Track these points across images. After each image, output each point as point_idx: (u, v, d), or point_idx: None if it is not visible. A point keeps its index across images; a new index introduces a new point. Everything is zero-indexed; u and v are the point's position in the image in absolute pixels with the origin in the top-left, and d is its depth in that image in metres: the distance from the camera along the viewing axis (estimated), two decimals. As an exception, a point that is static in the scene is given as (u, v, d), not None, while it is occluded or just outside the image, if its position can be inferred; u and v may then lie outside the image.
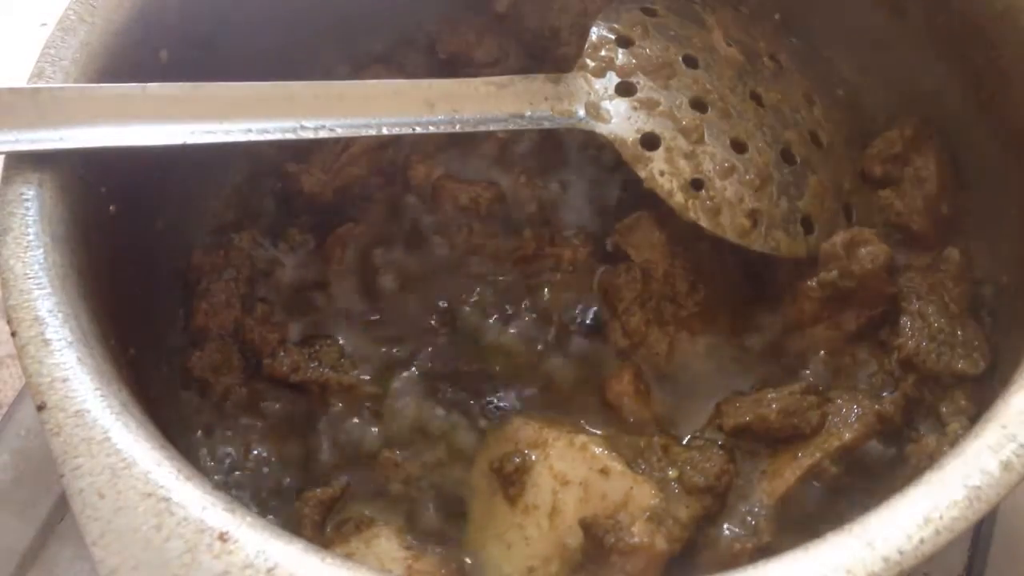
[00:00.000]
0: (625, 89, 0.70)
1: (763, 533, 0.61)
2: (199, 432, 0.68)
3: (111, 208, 0.62)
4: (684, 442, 0.66)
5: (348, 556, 0.60)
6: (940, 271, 0.69)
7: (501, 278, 0.73)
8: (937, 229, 0.72)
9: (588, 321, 0.71)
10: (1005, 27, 0.65)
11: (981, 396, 0.65)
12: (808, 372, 0.68)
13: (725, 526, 0.62)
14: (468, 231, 0.75)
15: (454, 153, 0.78)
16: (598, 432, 0.66)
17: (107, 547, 0.45)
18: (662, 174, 0.68)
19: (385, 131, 0.65)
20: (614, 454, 0.62)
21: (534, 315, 0.72)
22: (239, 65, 0.66)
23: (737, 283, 0.72)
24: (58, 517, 0.72)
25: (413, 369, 0.70)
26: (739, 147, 0.69)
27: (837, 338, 0.68)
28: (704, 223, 0.67)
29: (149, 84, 0.59)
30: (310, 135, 0.62)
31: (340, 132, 0.63)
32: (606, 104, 0.69)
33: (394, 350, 0.71)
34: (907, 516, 0.44)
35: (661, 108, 0.69)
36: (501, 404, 0.69)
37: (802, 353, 0.69)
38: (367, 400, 0.69)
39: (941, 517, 0.44)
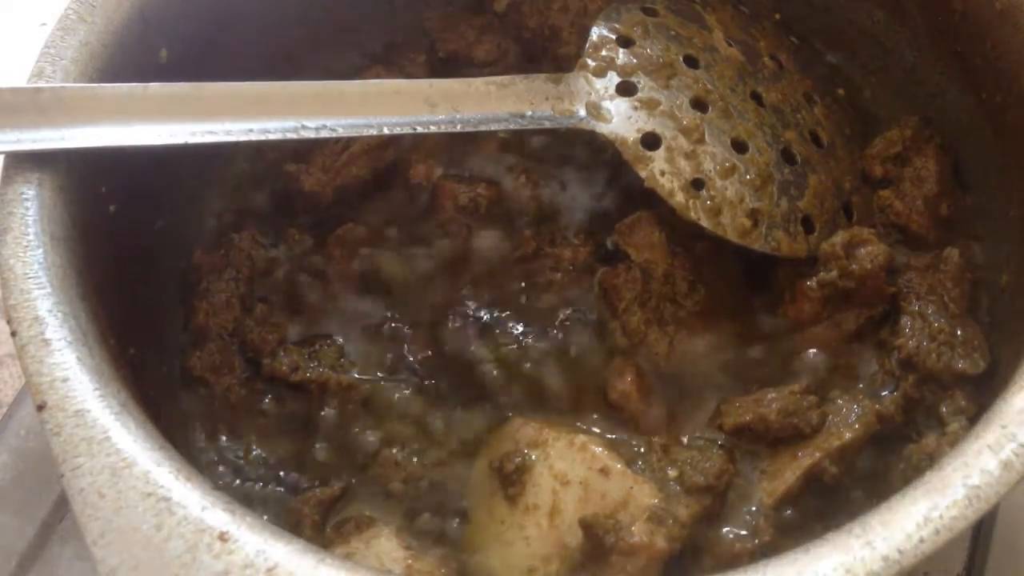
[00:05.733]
0: (626, 89, 0.70)
1: (763, 533, 0.61)
2: (199, 432, 0.68)
3: (111, 208, 0.62)
4: (684, 442, 0.66)
5: (348, 556, 0.60)
6: (940, 271, 0.69)
7: (501, 278, 0.73)
8: (937, 229, 0.72)
9: (588, 321, 0.71)
10: (1005, 27, 0.65)
11: (981, 396, 0.65)
12: (808, 372, 0.68)
13: (725, 526, 0.62)
14: (468, 231, 0.75)
15: (454, 153, 0.78)
16: (598, 432, 0.66)
17: (107, 546, 0.45)
18: (663, 174, 0.68)
19: (386, 131, 0.65)
20: (614, 454, 0.62)
21: (534, 315, 0.72)
22: (240, 65, 0.66)
23: (737, 283, 0.72)
24: (58, 517, 0.72)
25: (413, 368, 0.70)
26: (740, 147, 0.69)
27: (837, 338, 0.68)
28: (705, 223, 0.67)
29: (150, 84, 0.59)
30: (311, 135, 0.62)
31: (341, 132, 0.63)
32: (607, 104, 0.69)
33: (394, 350, 0.71)
34: (907, 516, 0.44)
35: (662, 108, 0.69)
36: (501, 404, 0.69)
37: (802, 353, 0.69)
38: (367, 400, 0.69)
39: (941, 517, 0.44)
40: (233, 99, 0.61)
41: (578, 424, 0.67)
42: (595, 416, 0.67)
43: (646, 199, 0.69)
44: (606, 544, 0.58)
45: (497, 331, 0.71)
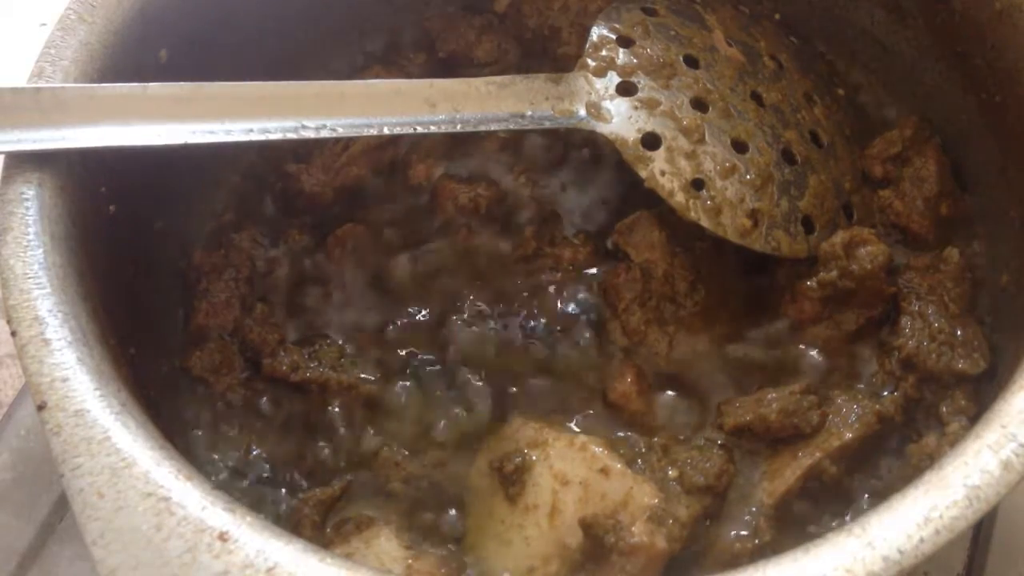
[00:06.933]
0: (626, 89, 0.70)
1: (763, 533, 0.61)
2: (199, 432, 0.68)
3: (111, 208, 0.62)
4: (684, 442, 0.66)
5: (348, 556, 0.60)
6: (940, 271, 0.69)
7: (501, 278, 0.73)
8: (937, 229, 0.72)
9: (588, 321, 0.71)
10: (1005, 27, 0.65)
11: (981, 396, 0.65)
12: (808, 372, 0.68)
13: (725, 526, 0.62)
14: (468, 231, 0.75)
15: (454, 153, 0.78)
16: (598, 432, 0.66)
17: (107, 547, 0.45)
18: (663, 174, 0.68)
19: (386, 131, 0.65)
20: (614, 454, 0.62)
21: (534, 315, 0.72)
22: (240, 65, 0.66)
23: (737, 283, 0.72)
24: (58, 517, 0.72)
25: (413, 368, 0.70)
26: (740, 147, 0.69)
27: (837, 338, 0.68)
28: (705, 223, 0.67)
29: (150, 84, 0.59)
30: (311, 135, 0.62)
31: (341, 132, 0.63)
32: (607, 104, 0.69)
33: (394, 349, 0.71)
34: (907, 516, 0.44)
35: (662, 108, 0.69)
36: (501, 404, 0.69)
37: (802, 353, 0.69)
38: (367, 399, 0.69)
39: (941, 517, 0.44)
40: (233, 99, 0.61)
41: (578, 424, 0.67)
42: (596, 416, 0.67)
43: (646, 199, 0.69)
44: (606, 544, 0.58)
45: (497, 331, 0.71)
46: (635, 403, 0.67)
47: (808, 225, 0.70)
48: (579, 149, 0.78)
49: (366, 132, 0.64)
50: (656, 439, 0.65)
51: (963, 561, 0.68)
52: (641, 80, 0.70)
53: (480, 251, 0.75)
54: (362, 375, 0.69)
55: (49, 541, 0.71)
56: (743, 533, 0.61)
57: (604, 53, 0.71)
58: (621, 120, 0.69)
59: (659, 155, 0.68)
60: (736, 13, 0.77)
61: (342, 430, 0.68)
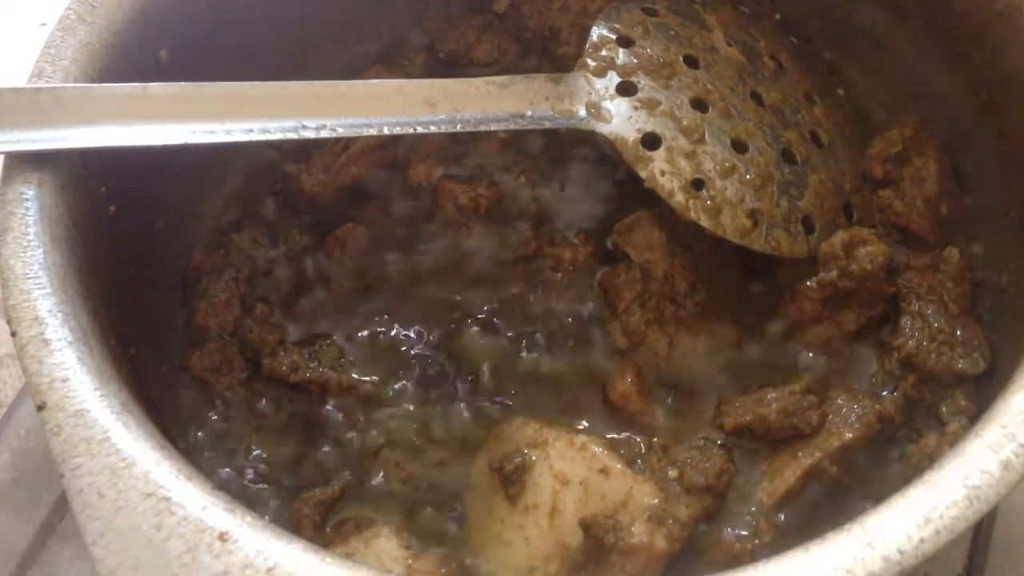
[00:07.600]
0: (626, 89, 0.70)
1: (763, 533, 0.61)
2: (199, 432, 0.68)
3: (111, 208, 0.62)
4: (684, 442, 0.66)
5: (348, 556, 0.60)
6: (940, 271, 0.69)
7: (501, 278, 0.73)
8: (937, 229, 0.72)
9: (587, 321, 0.71)
10: (1005, 27, 0.65)
11: (981, 396, 0.65)
12: (808, 372, 0.68)
13: (725, 526, 0.62)
14: (468, 231, 0.75)
15: (454, 153, 0.78)
16: (598, 432, 0.66)
17: (107, 547, 0.45)
18: (663, 174, 0.68)
19: (386, 131, 0.65)
20: (614, 454, 0.62)
21: (534, 315, 0.72)
22: (240, 65, 0.66)
23: (737, 283, 0.72)
24: (58, 517, 0.72)
25: (413, 369, 0.70)
26: (740, 147, 0.69)
27: (837, 338, 0.68)
28: (705, 223, 0.67)
29: (150, 84, 0.59)
30: (311, 135, 0.62)
31: (341, 132, 0.63)
32: (607, 104, 0.69)
33: (394, 350, 0.71)
34: (907, 516, 0.44)
35: (662, 108, 0.69)
36: (501, 404, 0.69)
37: (802, 353, 0.69)
38: (367, 400, 0.69)
39: (941, 517, 0.44)
40: (233, 99, 0.61)
41: (578, 424, 0.67)
42: (596, 416, 0.67)
43: (646, 199, 0.69)
44: (606, 544, 0.58)
45: (497, 331, 0.71)
46: (635, 403, 0.67)
47: (808, 225, 0.70)
48: (579, 149, 0.78)
49: (366, 132, 0.64)
50: (656, 439, 0.65)
51: (963, 561, 0.68)
52: (641, 80, 0.70)
53: (480, 251, 0.74)
54: (362, 375, 0.69)
55: (49, 541, 0.71)
56: (743, 533, 0.62)
57: (604, 53, 0.71)
58: (621, 120, 0.69)
59: (659, 155, 0.68)
60: (736, 13, 0.77)
61: (342, 430, 0.68)
